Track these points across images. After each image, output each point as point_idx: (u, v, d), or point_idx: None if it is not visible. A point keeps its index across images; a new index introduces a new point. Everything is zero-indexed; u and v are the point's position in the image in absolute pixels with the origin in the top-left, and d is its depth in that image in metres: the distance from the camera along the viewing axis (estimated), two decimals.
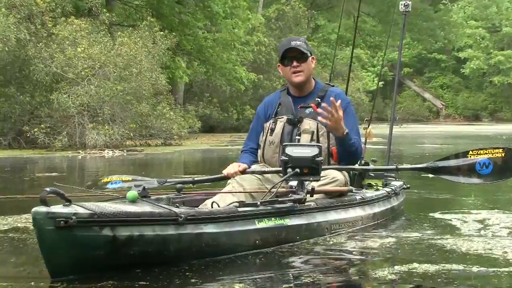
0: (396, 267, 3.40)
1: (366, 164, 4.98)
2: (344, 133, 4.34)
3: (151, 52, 18.50)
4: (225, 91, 27.68)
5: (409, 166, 4.94)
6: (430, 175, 4.87)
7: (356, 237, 4.24)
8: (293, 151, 3.92)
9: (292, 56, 4.55)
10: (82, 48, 16.71)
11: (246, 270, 3.40)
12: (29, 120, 16.95)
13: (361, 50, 49.86)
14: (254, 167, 4.49)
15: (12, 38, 15.88)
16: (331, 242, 4.06)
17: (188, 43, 23.83)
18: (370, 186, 5.15)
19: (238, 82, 25.23)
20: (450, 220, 5.05)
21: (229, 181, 4.41)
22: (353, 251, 3.90)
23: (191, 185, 4.66)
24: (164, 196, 3.93)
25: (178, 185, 4.16)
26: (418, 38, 46.99)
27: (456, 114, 57.74)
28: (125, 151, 16.01)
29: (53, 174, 10.11)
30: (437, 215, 5.36)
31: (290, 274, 3.34)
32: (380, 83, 56.62)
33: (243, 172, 4.39)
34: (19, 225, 4.76)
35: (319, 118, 4.29)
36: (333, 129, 4.30)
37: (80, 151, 15.61)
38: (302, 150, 3.92)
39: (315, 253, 3.79)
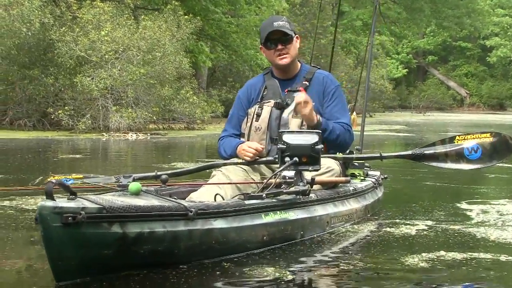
0: (423, 254, 3.37)
1: (350, 152, 4.65)
2: (316, 121, 4.10)
3: (175, 36, 18.49)
4: (248, 77, 27.63)
5: (393, 154, 4.67)
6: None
7: (364, 229, 4.12)
8: (291, 138, 3.62)
9: (275, 38, 4.25)
10: (106, 32, 16.75)
11: (255, 269, 3.11)
12: (53, 102, 17.05)
13: (385, 37, 49.50)
14: (236, 159, 4.16)
15: (36, 22, 15.96)
16: (339, 236, 3.90)
17: (210, 28, 23.79)
18: (353, 176, 4.82)
19: (260, 68, 25.18)
20: (470, 210, 5.00)
21: (214, 172, 4.12)
22: (374, 241, 3.83)
23: (175, 176, 4.26)
24: (152, 188, 3.67)
25: (163, 176, 3.81)
26: (444, 26, 46.48)
27: (480, 102, 57.31)
28: (148, 134, 16.08)
29: (77, 156, 10.16)
30: (452, 204, 5.31)
31: (312, 273, 3.20)
32: (404, 70, 56.74)
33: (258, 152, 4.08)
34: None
35: (294, 110, 4.06)
36: (306, 119, 4.08)
37: (104, 133, 15.69)
38: (301, 138, 3.63)
39: (333, 248, 3.63)
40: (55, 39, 16.50)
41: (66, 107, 16.39)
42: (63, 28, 16.71)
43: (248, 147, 4.10)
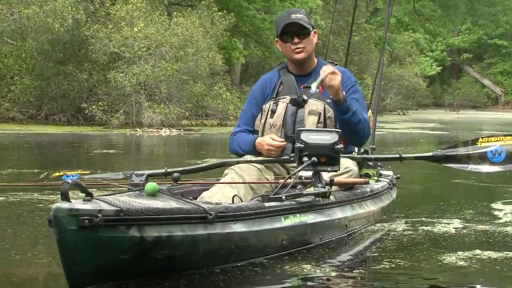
0: (459, 253, 3.31)
1: (365, 152, 4.50)
2: (343, 98, 3.87)
3: (209, 32, 18.54)
4: None
5: (413, 155, 4.47)
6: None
7: (384, 230, 4.01)
8: (310, 137, 3.44)
9: (292, 31, 4.08)
10: (139, 28, 16.86)
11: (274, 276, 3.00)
12: (87, 98, 17.23)
13: (420, 35, 49.12)
14: (249, 157, 3.97)
15: (69, 18, 16.12)
16: (359, 238, 3.78)
17: (244, 25, 23.84)
18: (367, 176, 4.56)
19: None
20: (501, 209, 4.88)
21: (226, 171, 3.92)
22: (407, 241, 3.74)
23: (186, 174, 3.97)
24: (164, 187, 3.43)
25: (175, 174, 3.60)
26: (479, 23, 46.04)
27: None
28: (181, 130, 16.15)
29: (111, 151, 10.23)
30: (482, 203, 5.22)
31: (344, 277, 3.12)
32: (439, 68, 56.25)
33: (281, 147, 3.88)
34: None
35: (322, 75, 3.80)
36: (333, 91, 3.83)
37: (138, 129, 15.80)
38: (320, 137, 3.45)
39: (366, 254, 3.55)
40: (89, 35, 16.66)
41: (99, 103, 16.55)
42: (97, 25, 16.86)
43: (271, 146, 3.92)
